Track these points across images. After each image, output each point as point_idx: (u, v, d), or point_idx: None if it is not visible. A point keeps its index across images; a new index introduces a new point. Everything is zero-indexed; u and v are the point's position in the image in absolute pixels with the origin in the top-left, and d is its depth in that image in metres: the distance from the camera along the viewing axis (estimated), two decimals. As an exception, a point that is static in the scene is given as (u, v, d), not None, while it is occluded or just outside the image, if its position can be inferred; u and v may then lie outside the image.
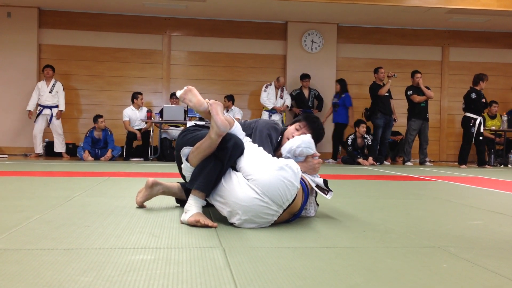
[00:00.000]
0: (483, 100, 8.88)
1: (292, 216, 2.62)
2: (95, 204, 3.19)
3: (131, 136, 9.02)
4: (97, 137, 8.77)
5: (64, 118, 9.45)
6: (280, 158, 2.62)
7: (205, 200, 2.59)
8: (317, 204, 2.88)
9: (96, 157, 8.65)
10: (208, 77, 10.50)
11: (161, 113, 9.06)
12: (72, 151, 9.41)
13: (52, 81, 9.12)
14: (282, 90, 9.77)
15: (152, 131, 9.64)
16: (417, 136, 9.25)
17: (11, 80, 9.74)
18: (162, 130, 9.10)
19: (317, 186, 2.77)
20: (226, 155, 2.50)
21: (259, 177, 2.43)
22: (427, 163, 9.17)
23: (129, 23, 10.24)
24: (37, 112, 9.07)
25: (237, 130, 2.65)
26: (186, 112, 8.88)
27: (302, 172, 2.70)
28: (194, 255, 1.92)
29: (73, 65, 10.12)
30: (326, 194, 2.75)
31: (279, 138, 2.99)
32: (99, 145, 8.78)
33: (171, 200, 3.22)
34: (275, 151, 2.92)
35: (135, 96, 9.19)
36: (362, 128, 8.91)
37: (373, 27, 10.86)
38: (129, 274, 1.64)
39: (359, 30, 10.86)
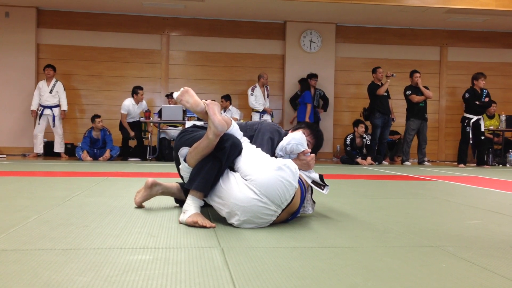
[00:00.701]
0: (486, 99, 8.82)
1: (291, 215, 2.62)
2: (93, 204, 3.18)
3: (125, 134, 8.97)
4: (96, 137, 8.77)
5: (63, 118, 9.42)
6: (278, 158, 2.62)
7: (204, 200, 2.59)
8: (314, 202, 2.88)
9: (95, 157, 8.64)
10: (206, 77, 10.50)
11: (159, 113, 9.06)
12: (70, 151, 9.40)
13: (53, 81, 9.11)
14: (267, 89, 9.78)
15: (151, 131, 9.65)
16: (415, 135, 9.26)
17: (9, 80, 9.73)
18: (160, 130, 9.09)
19: (313, 182, 2.77)
20: (224, 155, 2.50)
21: (258, 177, 2.43)
22: (426, 163, 9.18)
23: (127, 23, 10.24)
24: (39, 112, 9.05)
25: (235, 130, 2.66)
26: (184, 112, 8.87)
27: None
28: (193, 255, 1.92)
29: (71, 65, 10.11)
30: (322, 189, 2.75)
31: None
32: (97, 145, 8.77)
33: (169, 200, 3.22)
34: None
35: (135, 91, 9.07)
36: (361, 128, 8.92)
37: (371, 27, 10.87)
38: (127, 274, 1.64)
39: (357, 30, 10.87)
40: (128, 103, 9.06)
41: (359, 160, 8.76)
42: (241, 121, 9.21)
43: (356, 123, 9.04)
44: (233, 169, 2.59)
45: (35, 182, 4.61)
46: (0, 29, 9.72)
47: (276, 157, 2.78)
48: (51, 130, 9.13)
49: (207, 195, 2.56)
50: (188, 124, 7.91)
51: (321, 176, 2.79)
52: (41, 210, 2.88)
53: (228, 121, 2.60)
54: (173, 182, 3.03)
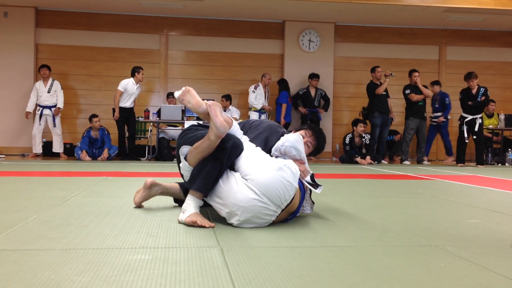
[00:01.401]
0: (482, 98, 8.74)
1: (290, 215, 2.62)
2: (92, 204, 3.18)
3: (121, 131, 8.76)
4: (94, 137, 8.76)
5: (62, 118, 9.42)
6: (278, 158, 2.62)
7: (203, 200, 2.59)
8: (313, 202, 2.88)
9: (94, 157, 8.64)
10: (205, 76, 10.49)
11: (158, 112, 9.05)
12: (69, 151, 9.39)
13: (50, 80, 9.09)
14: (267, 91, 9.78)
15: (151, 131, 9.64)
16: (414, 135, 9.26)
17: (8, 80, 9.72)
18: (159, 130, 9.09)
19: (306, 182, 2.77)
20: (225, 155, 2.49)
21: (258, 177, 2.43)
22: (425, 162, 9.18)
23: (126, 22, 10.23)
24: (37, 112, 9.03)
25: (236, 130, 2.65)
26: (183, 111, 8.87)
27: None
28: (192, 254, 1.92)
29: (70, 64, 10.10)
30: (315, 189, 2.74)
31: None
32: (96, 145, 8.77)
33: (169, 200, 3.22)
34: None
35: (137, 70, 8.78)
36: (360, 127, 8.92)
37: (370, 26, 10.87)
38: (126, 274, 1.64)
39: (356, 29, 10.87)
40: (127, 81, 8.73)
41: (358, 159, 8.77)
42: (240, 120, 9.22)
43: (355, 123, 9.04)
44: (233, 168, 2.59)
45: (34, 182, 4.61)
46: (-1, 29, 9.72)
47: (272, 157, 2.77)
48: (50, 130, 9.11)
49: (207, 195, 2.56)
50: (187, 124, 7.91)
51: (312, 176, 2.78)
52: (40, 210, 2.88)
53: (229, 121, 2.60)
54: (172, 182, 3.02)
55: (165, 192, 2.96)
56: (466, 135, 8.74)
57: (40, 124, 8.99)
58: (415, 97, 9.07)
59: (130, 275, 1.64)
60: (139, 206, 3.04)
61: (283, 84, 9.82)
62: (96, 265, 1.73)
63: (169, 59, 10.42)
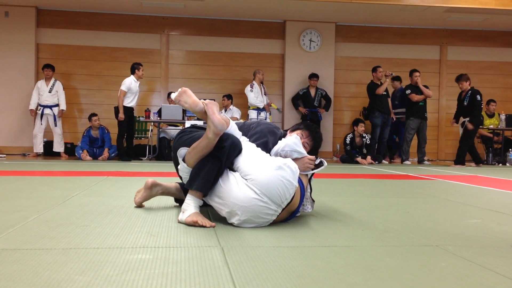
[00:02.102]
0: (478, 99, 8.65)
1: (290, 214, 2.62)
2: (93, 203, 3.18)
3: (121, 130, 8.58)
4: (95, 136, 8.77)
5: (63, 117, 9.42)
6: (277, 157, 2.62)
7: (203, 200, 2.59)
8: (313, 200, 2.88)
9: (94, 157, 8.64)
10: (206, 76, 10.49)
11: (159, 112, 9.05)
12: (70, 151, 9.39)
13: (52, 80, 9.09)
14: (264, 87, 9.76)
15: (152, 131, 9.63)
16: (415, 135, 9.25)
17: (9, 80, 9.72)
18: (160, 130, 9.09)
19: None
20: (224, 154, 2.49)
21: (258, 176, 2.43)
22: (425, 162, 9.18)
23: (127, 22, 10.23)
24: (38, 112, 9.03)
25: (233, 130, 2.65)
26: (184, 111, 8.87)
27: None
28: (193, 254, 1.92)
29: (71, 64, 10.10)
30: (322, 166, 2.79)
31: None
32: (96, 144, 8.77)
33: (169, 200, 3.22)
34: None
35: (137, 66, 8.66)
36: (361, 127, 8.91)
37: (371, 26, 10.86)
38: (127, 274, 1.64)
39: (357, 29, 10.86)
40: (130, 80, 8.54)
41: (359, 159, 8.76)
42: (240, 120, 9.21)
43: (356, 122, 9.04)
44: (232, 169, 2.59)
45: (35, 182, 4.61)
46: (0, 29, 9.71)
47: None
48: (50, 129, 9.11)
49: (206, 195, 2.56)
50: (188, 123, 7.91)
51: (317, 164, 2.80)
52: (41, 209, 2.88)
53: (226, 120, 2.60)
54: (172, 182, 3.03)
55: (166, 192, 2.97)
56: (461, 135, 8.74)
57: (41, 124, 9.00)
58: (415, 97, 9.07)
59: (131, 274, 1.64)
60: (139, 206, 3.04)
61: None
62: (97, 265, 1.74)
63: (170, 59, 10.42)
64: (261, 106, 9.56)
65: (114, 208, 2.98)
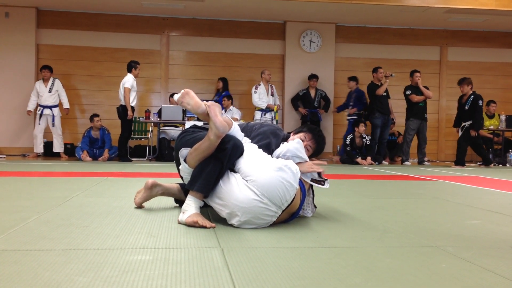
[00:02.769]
0: (480, 104, 8.66)
1: (291, 216, 2.62)
2: (93, 204, 3.18)
3: (125, 129, 8.47)
4: (95, 137, 8.77)
5: (63, 118, 9.42)
6: (279, 159, 2.62)
7: (203, 201, 2.59)
8: (315, 206, 2.88)
9: (94, 157, 8.64)
10: (206, 77, 10.49)
11: (159, 113, 9.05)
12: (70, 151, 9.40)
13: (51, 80, 9.08)
14: (272, 88, 9.72)
15: (152, 131, 9.63)
16: (415, 135, 9.25)
17: (9, 80, 9.72)
18: (160, 130, 9.09)
19: (312, 179, 2.75)
20: (226, 156, 2.49)
21: (258, 178, 2.43)
22: (426, 163, 9.18)
23: (127, 23, 10.23)
24: (38, 112, 9.03)
25: (236, 131, 2.65)
26: (184, 112, 8.86)
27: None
28: (193, 255, 1.92)
29: (71, 65, 10.11)
30: (323, 185, 2.73)
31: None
32: (97, 145, 8.77)
33: (169, 200, 3.22)
34: None
35: (134, 65, 8.52)
36: (361, 128, 8.91)
37: (371, 27, 10.87)
38: (127, 275, 1.64)
39: (357, 30, 10.87)
40: (132, 78, 8.42)
41: (359, 160, 8.76)
42: (241, 121, 9.20)
43: (356, 123, 9.04)
44: (233, 169, 2.59)
45: (35, 183, 4.61)
46: (0, 30, 9.72)
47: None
48: (50, 130, 9.11)
49: (207, 196, 2.56)
50: (188, 124, 7.90)
51: (319, 173, 2.78)
52: (41, 210, 2.88)
53: (229, 122, 2.60)
54: (173, 183, 3.02)
55: (166, 192, 2.97)
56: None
57: (40, 124, 8.99)
58: (416, 98, 9.07)
59: (131, 275, 1.64)
60: (139, 206, 3.04)
61: (225, 82, 9.80)
62: (97, 266, 1.74)
63: (170, 60, 10.42)
64: (263, 107, 9.52)
65: (114, 209, 2.98)
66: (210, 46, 10.47)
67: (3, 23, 9.72)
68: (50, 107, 9.03)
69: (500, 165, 9.45)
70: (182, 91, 2.59)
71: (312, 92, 10.04)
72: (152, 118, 9.06)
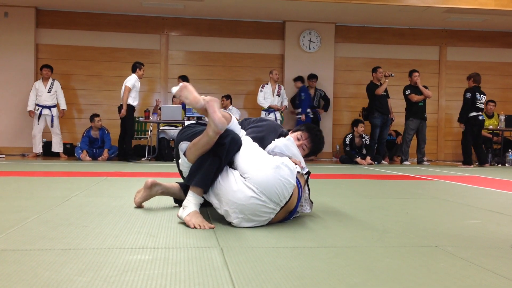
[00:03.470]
0: (465, 96, 8.82)
1: (288, 214, 2.62)
2: (93, 204, 3.18)
3: (125, 126, 8.42)
4: (94, 137, 8.76)
5: (62, 118, 9.43)
6: (276, 156, 2.62)
7: (203, 197, 2.59)
8: (312, 202, 2.88)
9: (94, 157, 8.63)
10: (206, 76, 10.49)
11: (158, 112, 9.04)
12: (69, 151, 9.39)
13: (50, 80, 9.08)
14: (279, 88, 9.66)
15: (151, 131, 9.63)
16: (414, 135, 9.26)
17: (8, 80, 9.72)
18: (160, 130, 9.08)
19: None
20: (224, 151, 2.50)
21: (256, 175, 2.44)
22: (425, 163, 9.18)
23: (127, 23, 10.23)
24: (36, 112, 9.02)
25: (234, 126, 2.66)
26: (184, 111, 8.86)
27: None
28: (192, 255, 1.92)
29: (71, 65, 10.11)
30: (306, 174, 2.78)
31: None
32: (96, 145, 8.77)
33: (169, 200, 3.22)
34: None
35: (139, 66, 8.51)
36: (361, 128, 8.92)
37: (371, 27, 10.87)
38: (127, 274, 1.64)
39: (356, 30, 10.87)
40: (135, 78, 8.42)
41: (358, 160, 8.77)
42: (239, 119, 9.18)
43: (355, 123, 9.04)
44: (232, 165, 2.59)
45: (34, 182, 4.61)
46: (-1, 29, 9.73)
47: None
48: (49, 130, 9.10)
49: (207, 191, 2.56)
50: (188, 124, 7.88)
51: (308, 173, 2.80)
52: (40, 210, 2.88)
53: (227, 117, 2.60)
54: (173, 182, 3.03)
55: (166, 192, 2.97)
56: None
57: (38, 124, 8.98)
58: (415, 97, 9.07)
59: (130, 275, 1.64)
60: (139, 206, 3.04)
61: (185, 80, 9.40)
62: (96, 265, 1.74)
63: (170, 59, 10.42)
64: (266, 107, 9.46)
65: (114, 209, 2.98)
66: (210, 46, 10.47)
67: (3, 23, 9.71)
68: (49, 107, 9.02)
69: (500, 165, 9.46)
70: (181, 84, 2.58)
71: (311, 92, 10.04)
72: (151, 118, 9.06)
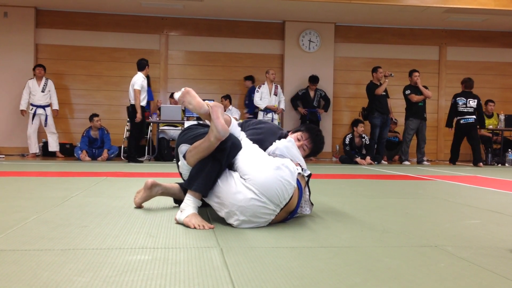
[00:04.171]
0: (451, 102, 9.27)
1: (289, 214, 2.62)
2: (92, 204, 3.18)
3: (136, 128, 8.17)
4: (94, 137, 8.76)
5: (62, 118, 9.43)
6: (276, 157, 2.62)
7: (202, 199, 2.59)
8: (312, 204, 2.88)
9: (94, 157, 8.63)
10: (205, 76, 10.49)
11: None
12: (69, 151, 9.39)
13: (43, 79, 9.05)
14: (276, 88, 9.63)
15: (151, 131, 9.63)
16: (414, 135, 9.26)
17: (8, 80, 9.71)
18: (159, 130, 9.08)
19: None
20: (224, 156, 2.49)
21: (256, 177, 2.43)
22: (425, 162, 9.18)
23: (126, 23, 10.23)
24: (30, 112, 8.99)
25: (234, 129, 2.65)
26: (183, 111, 8.86)
27: None
28: (192, 255, 1.92)
29: (70, 65, 10.10)
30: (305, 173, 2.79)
31: None
32: (96, 145, 8.76)
33: (168, 200, 3.22)
34: None
35: (147, 63, 8.31)
36: (360, 128, 8.92)
37: (370, 27, 10.87)
38: (126, 275, 1.64)
39: (356, 30, 10.87)
40: (142, 78, 8.10)
41: (358, 159, 8.77)
42: (240, 120, 9.19)
43: (355, 123, 9.04)
44: (231, 167, 2.59)
45: (34, 183, 4.60)
46: (-1, 29, 9.73)
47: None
48: (44, 129, 9.07)
49: (206, 196, 2.56)
50: (187, 124, 7.87)
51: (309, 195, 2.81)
52: (40, 210, 2.88)
53: (228, 119, 2.60)
54: (172, 183, 3.02)
55: (166, 192, 2.96)
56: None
57: (33, 123, 8.94)
58: (415, 97, 9.07)
59: (130, 275, 1.64)
60: (139, 206, 3.03)
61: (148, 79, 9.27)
62: (96, 266, 1.73)
63: (169, 59, 10.42)
64: (262, 107, 9.44)
65: (113, 209, 2.98)
66: (209, 45, 10.47)
67: (2, 23, 9.71)
68: (43, 107, 8.98)
69: (499, 165, 9.46)
70: (183, 89, 2.58)
71: (312, 92, 10.04)
72: (151, 118, 9.06)
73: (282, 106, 9.68)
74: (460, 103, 9.10)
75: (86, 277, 1.60)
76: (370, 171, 7.05)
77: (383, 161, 9.24)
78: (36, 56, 9.93)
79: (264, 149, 2.77)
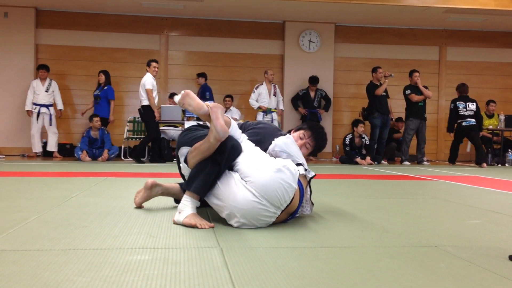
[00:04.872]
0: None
1: (290, 215, 2.62)
2: (93, 204, 3.18)
3: (151, 127, 8.00)
4: (94, 137, 8.76)
5: (62, 118, 9.42)
6: (277, 159, 2.61)
7: (203, 200, 2.59)
8: (312, 203, 2.88)
9: (94, 157, 8.63)
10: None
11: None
12: (69, 151, 9.39)
13: (47, 80, 9.08)
14: (275, 88, 9.61)
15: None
16: (414, 135, 9.26)
17: (8, 80, 9.71)
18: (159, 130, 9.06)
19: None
20: (224, 158, 2.49)
21: (257, 179, 2.42)
22: (425, 163, 9.18)
23: (126, 23, 10.23)
24: (34, 111, 9.00)
25: (234, 131, 2.65)
26: (184, 112, 8.85)
27: None
28: (192, 255, 1.92)
29: (70, 65, 10.10)
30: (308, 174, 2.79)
31: None
32: (96, 145, 8.76)
33: (169, 201, 3.22)
34: None
35: (151, 61, 8.26)
36: (360, 128, 8.92)
37: (370, 27, 10.87)
38: (126, 275, 1.64)
39: (356, 30, 10.87)
40: (151, 77, 8.07)
41: (358, 160, 8.77)
42: (241, 121, 9.18)
43: (355, 123, 9.04)
44: (232, 168, 2.59)
45: (34, 183, 4.61)
46: (-1, 30, 9.73)
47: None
48: (46, 129, 9.07)
49: (204, 197, 2.56)
50: (187, 124, 7.87)
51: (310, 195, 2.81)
52: (40, 210, 2.88)
53: (227, 121, 2.59)
54: (173, 183, 3.02)
55: (166, 192, 2.96)
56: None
57: (37, 122, 8.96)
58: (415, 97, 9.07)
59: (130, 275, 1.64)
60: (139, 206, 3.04)
61: (108, 75, 9.18)
62: (96, 266, 1.74)
63: (169, 60, 10.42)
64: (255, 107, 9.40)
65: (114, 209, 2.98)
66: (209, 46, 10.47)
67: (2, 23, 9.71)
68: (47, 106, 9.01)
69: (499, 165, 9.46)
70: (182, 92, 2.58)
71: (312, 92, 10.04)
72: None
73: (281, 106, 9.70)
74: (461, 107, 9.13)
75: (86, 277, 1.60)
76: (370, 171, 7.05)
77: (383, 161, 9.24)
78: (36, 57, 9.93)
79: (264, 150, 2.77)
